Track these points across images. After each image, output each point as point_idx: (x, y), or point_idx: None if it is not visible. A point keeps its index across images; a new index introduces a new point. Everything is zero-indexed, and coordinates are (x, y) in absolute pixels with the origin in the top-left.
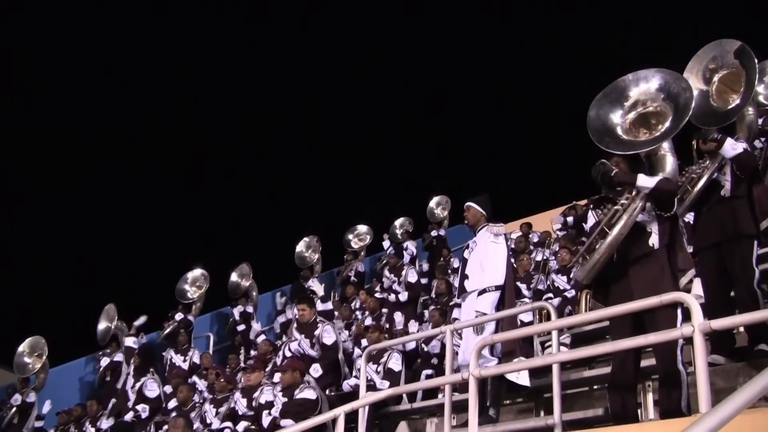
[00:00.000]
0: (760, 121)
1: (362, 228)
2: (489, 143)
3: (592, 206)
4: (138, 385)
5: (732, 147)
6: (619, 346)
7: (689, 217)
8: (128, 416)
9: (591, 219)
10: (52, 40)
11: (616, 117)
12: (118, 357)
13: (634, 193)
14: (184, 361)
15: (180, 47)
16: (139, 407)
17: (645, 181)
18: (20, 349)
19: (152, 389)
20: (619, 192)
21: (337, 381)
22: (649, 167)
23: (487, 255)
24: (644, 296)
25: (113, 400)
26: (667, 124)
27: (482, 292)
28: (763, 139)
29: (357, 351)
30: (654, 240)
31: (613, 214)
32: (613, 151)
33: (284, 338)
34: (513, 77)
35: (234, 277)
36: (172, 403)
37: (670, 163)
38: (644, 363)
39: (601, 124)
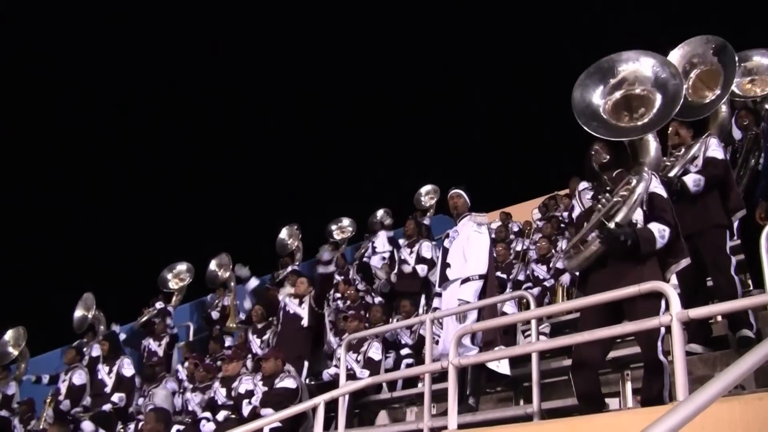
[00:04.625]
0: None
1: (346, 221)
2: (468, 133)
3: (589, 195)
4: (114, 368)
5: (695, 184)
6: (598, 335)
7: None
8: (106, 407)
9: (576, 208)
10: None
11: (598, 97)
12: (95, 351)
13: (633, 183)
14: (159, 346)
15: (163, 39)
16: (115, 397)
17: (661, 237)
18: (5, 338)
19: (129, 369)
20: (613, 180)
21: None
22: (632, 152)
23: (469, 244)
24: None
25: (88, 399)
26: (653, 113)
27: (465, 280)
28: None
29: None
30: None
31: (613, 206)
32: (601, 136)
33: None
34: (492, 65)
35: (212, 266)
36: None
37: (653, 148)
38: (622, 352)
39: (585, 105)
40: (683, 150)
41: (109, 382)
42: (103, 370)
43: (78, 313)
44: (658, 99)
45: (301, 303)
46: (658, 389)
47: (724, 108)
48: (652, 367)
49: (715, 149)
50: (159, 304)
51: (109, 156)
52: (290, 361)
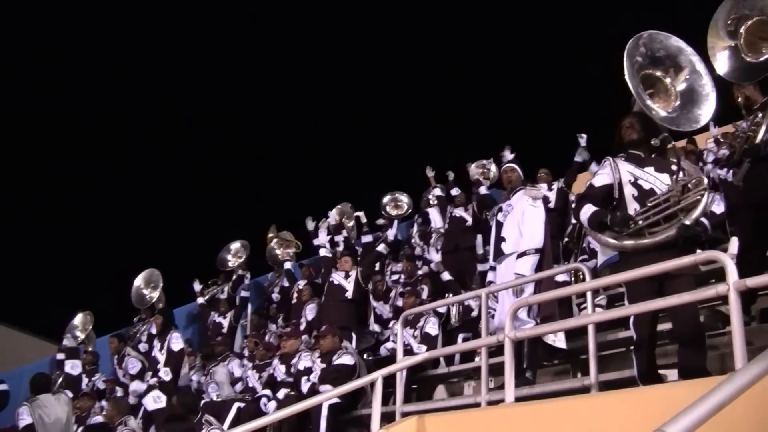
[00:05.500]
0: None
1: (403, 197)
2: (520, 102)
3: (626, 167)
4: (165, 343)
5: None
6: (652, 306)
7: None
8: (152, 380)
9: (607, 177)
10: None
11: (639, 65)
12: (154, 329)
13: (705, 183)
14: (224, 318)
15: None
16: (162, 372)
17: None
18: (75, 322)
19: (177, 343)
20: (656, 165)
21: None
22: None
23: (525, 218)
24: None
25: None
26: (675, 105)
27: (522, 254)
28: None
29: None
30: None
31: (694, 203)
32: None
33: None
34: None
35: (273, 244)
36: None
37: None
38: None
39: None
40: (760, 114)
41: (161, 358)
42: (156, 347)
43: (140, 286)
44: (676, 101)
45: (347, 276)
46: (701, 360)
47: None
48: (694, 338)
49: None
50: (222, 283)
51: (157, 144)
52: None
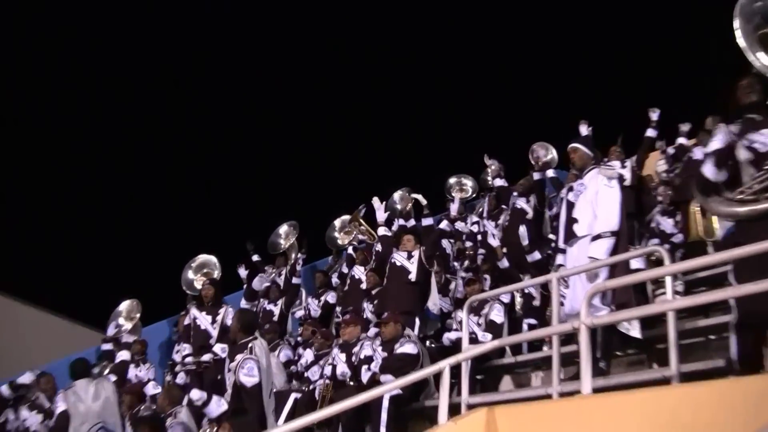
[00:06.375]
0: None
1: (468, 181)
2: (588, 77)
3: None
4: (218, 318)
5: None
6: (741, 291)
7: None
8: (207, 356)
9: (718, 143)
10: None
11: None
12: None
13: None
14: (275, 306)
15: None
16: (217, 347)
17: None
18: (119, 309)
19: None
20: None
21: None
22: None
23: (599, 199)
24: None
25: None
26: None
27: (596, 237)
28: None
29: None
30: None
31: None
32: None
33: None
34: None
35: (337, 225)
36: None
37: None
38: None
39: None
40: None
41: (214, 332)
42: (204, 320)
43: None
44: None
45: (410, 257)
46: None
47: None
48: None
49: None
50: (276, 270)
51: (209, 130)
52: None
